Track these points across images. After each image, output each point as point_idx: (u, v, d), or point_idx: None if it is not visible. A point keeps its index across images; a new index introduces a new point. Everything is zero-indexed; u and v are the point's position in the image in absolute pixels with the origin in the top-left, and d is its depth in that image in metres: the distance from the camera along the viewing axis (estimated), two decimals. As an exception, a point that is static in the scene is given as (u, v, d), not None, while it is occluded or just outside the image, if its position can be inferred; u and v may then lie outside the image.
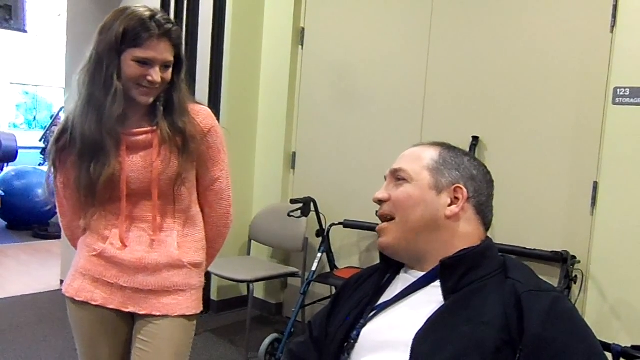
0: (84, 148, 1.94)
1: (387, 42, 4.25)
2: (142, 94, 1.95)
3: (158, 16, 1.92)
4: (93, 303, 2.05)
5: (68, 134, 1.98)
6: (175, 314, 2.06)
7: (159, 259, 2.04)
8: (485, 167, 1.48)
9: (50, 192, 2.11)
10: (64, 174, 2.04)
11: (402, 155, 1.49)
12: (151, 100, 1.98)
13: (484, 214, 1.43)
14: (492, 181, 1.48)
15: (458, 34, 3.86)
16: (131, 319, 2.11)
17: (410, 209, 1.40)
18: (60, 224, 2.23)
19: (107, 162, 1.94)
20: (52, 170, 2.06)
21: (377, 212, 1.47)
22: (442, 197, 1.39)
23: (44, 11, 18.68)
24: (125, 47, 1.89)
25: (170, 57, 1.95)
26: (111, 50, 1.89)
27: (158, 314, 2.04)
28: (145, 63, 1.90)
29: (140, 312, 2.05)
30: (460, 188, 1.39)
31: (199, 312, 2.14)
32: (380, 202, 1.46)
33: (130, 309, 2.05)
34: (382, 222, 1.45)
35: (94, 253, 2.05)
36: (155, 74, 1.91)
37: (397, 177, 1.44)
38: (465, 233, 1.39)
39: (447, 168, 1.42)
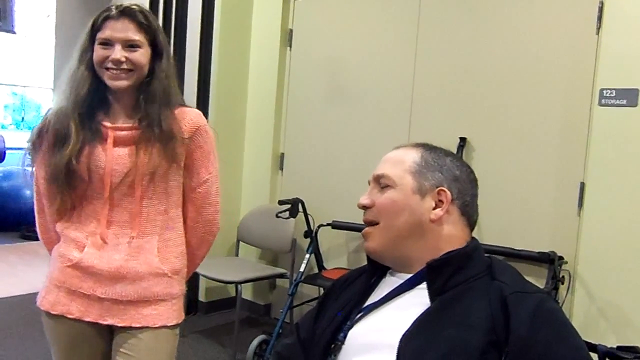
0: (55, 138, 1.94)
1: (375, 44, 4.26)
2: (110, 78, 1.93)
3: (126, 4, 1.94)
4: (69, 316, 1.97)
5: (45, 127, 1.98)
6: (157, 325, 1.99)
7: (138, 268, 1.97)
8: (469, 167, 1.47)
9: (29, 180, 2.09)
10: (45, 168, 1.99)
11: (384, 159, 1.48)
12: (123, 84, 1.94)
13: (469, 214, 1.42)
14: (476, 180, 1.47)
15: (445, 36, 3.87)
16: (109, 332, 2.03)
17: (394, 215, 1.39)
18: (37, 225, 2.15)
19: (69, 148, 1.91)
20: (30, 160, 2.03)
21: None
22: (426, 201, 1.38)
23: (33, 12, 18.58)
24: (93, 36, 1.93)
25: (133, 36, 1.93)
26: (85, 44, 1.95)
27: (138, 325, 1.97)
28: (106, 44, 1.92)
29: (120, 324, 1.97)
30: (444, 191, 1.38)
31: (180, 321, 2.07)
32: (364, 208, 1.45)
33: (109, 321, 1.97)
34: (367, 226, 1.45)
35: (69, 264, 1.98)
36: (117, 53, 1.90)
37: (381, 183, 1.43)
38: (451, 235, 1.38)
39: (430, 170, 1.40)
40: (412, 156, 1.43)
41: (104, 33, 1.91)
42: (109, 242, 1.97)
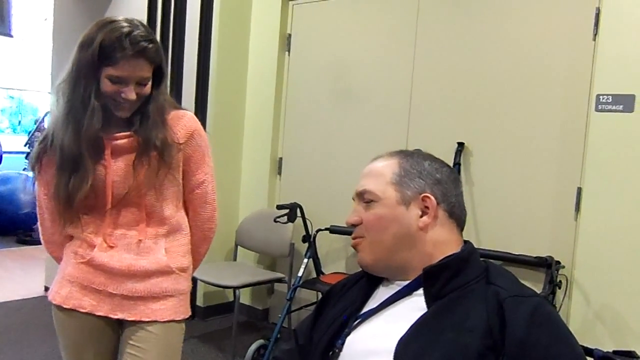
0: (63, 160, 1.95)
1: (373, 49, 4.27)
2: (118, 110, 1.96)
3: (135, 32, 1.88)
4: (81, 310, 2.04)
5: (49, 142, 1.99)
6: (165, 319, 2.06)
7: (148, 266, 2.04)
8: (448, 166, 1.47)
9: (31, 196, 2.12)
10: (46, 185, 2.04)
11: (364, 174, 1.47)
12: (129, 114, 1.98)
13: (457, 215, 1.42)
14: (458, 179, 1.47)
15: (443, 41, 3.89)
16: (118, 326, 2.11)
17: (383, 229, 1.39)
18: (40, 236, 2.21)
19: (85, 178, 1.93)
20: (34, 175, 2.08)
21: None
22: (412, 210, 1.38)
23: (30, 15, 18.59)
24: (101, 64, 1.88)
25: (145, 74, 1.93)
26: (89, 68, 1.89)
27: (147, 319, 2.05)
28: (118, 82, 1.90)
29: (129, 319, 2.05)
30: (428, 197, 1.38)
31: (187, 316, 2.14)
32: (353, 226, 1.45)
33: (119, 316, 2.05)
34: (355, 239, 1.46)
35: (82, 260, 2.04)
36: (129, 92, 1.90)
37: (365, 198, 1.44)
38: (442, 239, 1.38)
39: (410, 178, 1.40)
40: (391, 167, 1.43)
41: (118, 71, 1.88)
42: (117, 244, 2.04)
